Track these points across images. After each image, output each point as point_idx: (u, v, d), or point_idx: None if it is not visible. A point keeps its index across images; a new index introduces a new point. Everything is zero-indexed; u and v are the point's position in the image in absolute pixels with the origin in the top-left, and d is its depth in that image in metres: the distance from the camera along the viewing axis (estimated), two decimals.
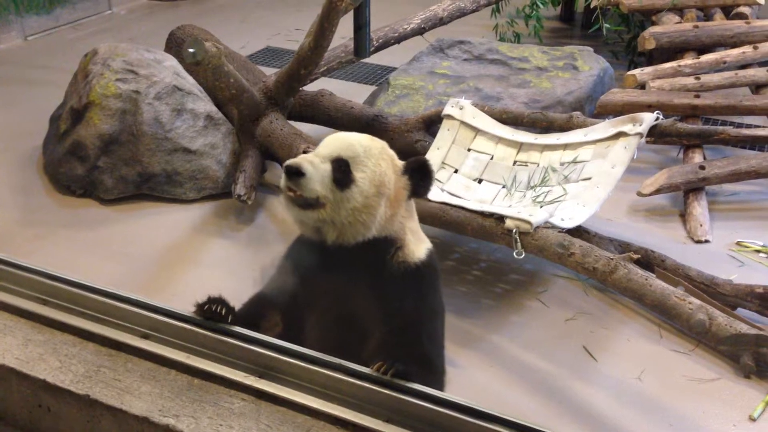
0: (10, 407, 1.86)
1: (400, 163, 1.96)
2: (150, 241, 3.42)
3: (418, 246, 1.96)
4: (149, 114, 3.65)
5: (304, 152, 3.34)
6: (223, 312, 1.79)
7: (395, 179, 1.91)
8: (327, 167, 1.83)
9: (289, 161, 1.82)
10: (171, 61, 3.94)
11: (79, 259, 3.23)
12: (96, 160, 3.65)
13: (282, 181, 1.83)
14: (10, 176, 3.94)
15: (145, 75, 3.76)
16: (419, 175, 1.95)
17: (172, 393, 1.70)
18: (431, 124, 3.69)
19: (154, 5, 7.00)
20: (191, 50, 3.24)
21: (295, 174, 1.78)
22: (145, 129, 3.64)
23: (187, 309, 1.82)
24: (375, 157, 1.89)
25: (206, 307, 1.80)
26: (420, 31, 4.54)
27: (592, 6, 5.27)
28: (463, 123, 3.47)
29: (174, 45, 4.37)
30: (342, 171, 1.83)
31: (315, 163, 1.82)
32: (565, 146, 3.29)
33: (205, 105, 3.82)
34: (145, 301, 1.86)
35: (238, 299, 2.83)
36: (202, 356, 1.78)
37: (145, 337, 1.82)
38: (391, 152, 1.98)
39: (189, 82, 3.87)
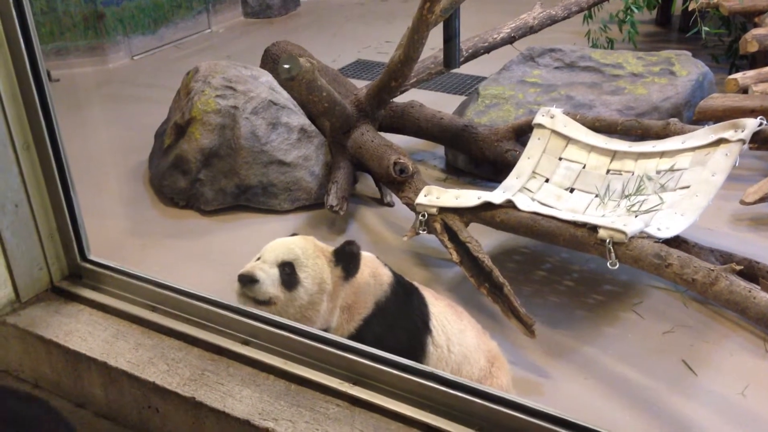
0: (122, 408, 1.98)
1: (330, 254, 2.17)
2: (247, 251, 3.50)
3: (350, 324, 2.15)
4: (246, 128, 3.80)
5: (395, 162, 3.40)
6: None
7: (331, 272, 2.14)
8: (275, 271, 2.08)
9: (242, 271, 2.06)
10: (266, 77, 4.08)
11: (182, 268, 3.39)
12: (197, 173, 3.82)
13: (236, 287, 2.05)
14: (120, 188, 4.18)
15: (243, 91, 3.91)
16: (348, 259, 2.16)
17: (271, 397, 1.77)
18: (522, 133, 3.67)
19: (250, 23, 7.27)
20: (286, 66, 3.36)
21: (249, 282, 2.03)
22: (243, 143, 3.79)
23: None
24: (312, 257, 2.14)
25: None
26: (510, 40, 4.53)
27: (690, 9, 5.10)
28: (554, 132, 3.43)
29: (269, 61, 4.54)
30: (288, 273, 2.08)
31: (265, 269, 2.07)
32: (662, 154, 3.20)
33: (298, 118, 3.94)
34: (245, 309, 1.95)
35: None
36: (299, 362, 1.84)
37: (245, 343, 1.91)
38: (322, 245, 2.21)
39: (283, 96, 4.00)
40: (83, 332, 2.03)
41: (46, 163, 2.07)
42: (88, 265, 2.18)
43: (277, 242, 2.20)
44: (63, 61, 6.05)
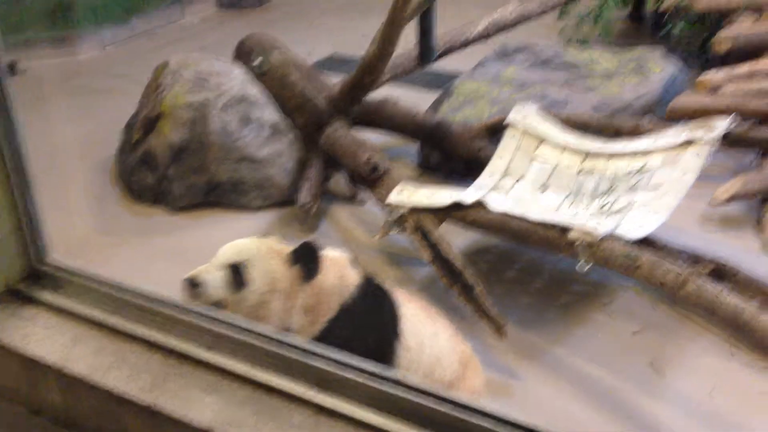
0: (80, 415, 1.93)
1: (286, 254, 2.16)
2: (217, 249, 3.49)
3: (313, 326, 2.15)
4: (217, 123, 3.74)
5: (368, 159, 3.36)
6: None
7: (287, 272, 2.13)
8: (221, 273, 2.12)
9: (187, 275, 2.11)
10: (239, 71, 4.02)
11: (149, 266, 3.34)
12: (166, 170, 3.76)
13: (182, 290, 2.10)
14: (86, 184, 4.10)
15: (214, 85, 3.85)
16: (305, 259, 2.14)
17: (235, 405, 1.73)
18: (495, 131, 3.65)
19: (224, 14, 7.17)
20: (258, 60, 3.31)
21: (193, 285, 2.09)
22: (213, 138, 3.73)
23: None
24: (263, 258, 2.14)
25: None
26: (485, 36, 4.50)
27: (663, 6, 5.11)
28: (527, 130, 3.42)
29: (243, 53, 4.46)
30: (235, 275, 2.11)
31: (211, 272, 2.13)
32: (634, 153, 3.20)
33: (271, 114, 3.89)
34: (209, 313, 1.90)
35: None
36: (264, 368, 1.80)
37: (210, 348, 1.86)
38: (280, 247, 2.20)
39: (256, 91, 3.94)
40: (40, 336, 1.97)
41: (2, 160, 2.00)
42: (46, 267, 2.11)
43: (231, 243, 2.22)
44: (32, 52, 5.91)
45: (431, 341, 2.28)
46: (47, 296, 2.08)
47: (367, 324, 2.20)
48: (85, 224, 3.72)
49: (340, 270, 2.22)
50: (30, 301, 2.09)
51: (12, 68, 5.61)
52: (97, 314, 1.99)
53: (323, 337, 2.11)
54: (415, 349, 2.22)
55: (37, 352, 1.93)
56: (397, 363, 2.18)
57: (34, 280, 2.14)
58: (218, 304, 2.07)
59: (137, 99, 4.20)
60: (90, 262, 2.35)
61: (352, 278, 2.24)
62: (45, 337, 1.97)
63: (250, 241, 2.23)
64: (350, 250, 3.42)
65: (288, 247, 2.20)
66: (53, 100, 5.31)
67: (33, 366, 1.94)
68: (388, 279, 3.21)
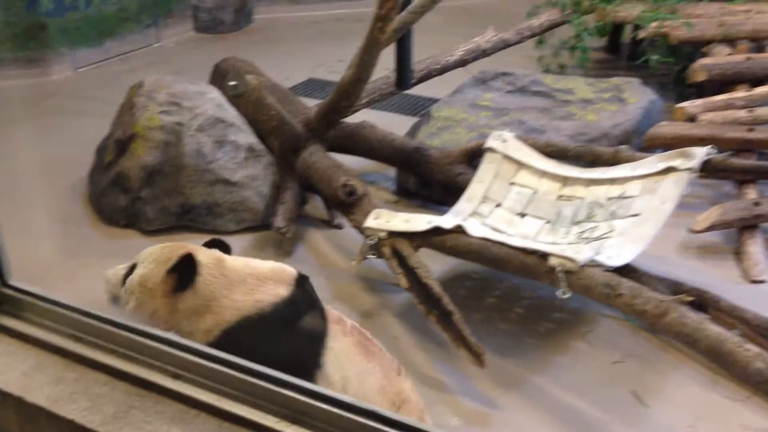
0: None
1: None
2: None
3: (209, 333, 2.17)
4: (191, 146, 3.67)
5: (344, 184, 3.31)
6: None
7: (163, 279, 2.21)
8: (122, 272, 2.31)
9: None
10: (214, 93, 3.96)
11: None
12: (139, 191, 3.67)
13: None
14: (56, 206, 3.99)
15: (189, 107, 3.79)
16: (181, 270, 2.19)
17: None
18: (473, 157, 3.63)
19: (201, 38, 7.13)
20: (232, 83, 3.26)
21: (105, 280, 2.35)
22: (187, 160, 3.65)
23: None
24: (151, 261, 2.25)
25: None
26: (462, 63, 4.52)
27: (639, 37, 5.17)
28: (505, 156, 3.40)
29: (218, 77, 4.42)
30: (128, 274, 2.28)
31: (118, 270, 2.34)
32: (612, 181, 3.19)
33: (246, 137, 3.83)
34: (176, 340, 1.82)
35: None
36: (233, 398, 1.72)
37: (176, 377, 1.77)
38: (176, 255, 2.23)
39: (231, 113, 3.88)
40: None
41: None
42: (8, 291, 2.02)
43: (151, 247, 2.36)
44: (3, 72, 5.81)
45: (359, 379, 2.17)
46: (8, 321, 1.98)
47: (277, 344, 2.14)
48: (52, 247, 3.61)
49: (255, 284, 2.20)
50: None
51: None
52: (59, 341, 1.90)
53: (218, 344, 2.07)
54: (337, 384, 2.13)
55: None
56: None
57: None
58: (117, 300, 2.31)
59: (109, 121, 4.12)
60: (54, 286, 2.27)
61: (270, 295, 2.17)
62: (3, 365, 1.87)
63: (165, 245, 2.33)
64: (326, 276, 3.37)
65: (264, 264, 2.29)
66: (24, 120, 5.21)
67: None
68: (364, 305, 3.15)
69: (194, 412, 1.71)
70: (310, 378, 2.10)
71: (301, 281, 2.27)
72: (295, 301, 2.21)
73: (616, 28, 5.94)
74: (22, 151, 4.65)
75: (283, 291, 2.21)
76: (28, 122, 5.18)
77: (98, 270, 3.39)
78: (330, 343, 2.18)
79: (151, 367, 1.79)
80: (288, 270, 2.29)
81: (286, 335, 2.18)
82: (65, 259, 3.51)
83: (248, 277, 2.22)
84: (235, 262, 2.31)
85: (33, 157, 4.59)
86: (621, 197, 3.10)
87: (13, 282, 2.06)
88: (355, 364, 2.19)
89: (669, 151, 3.16)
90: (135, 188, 3.67)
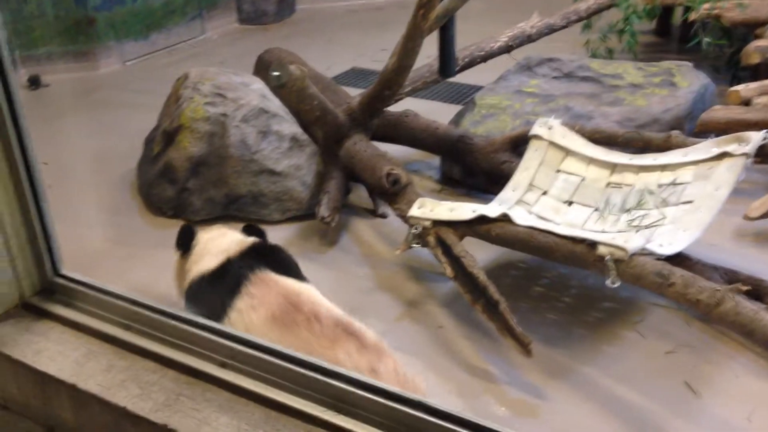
0: None
1: None
2: None
3: (182, 290, 2.64)
4: (236, 136, 3.70)
5: (388, 173, 3.29)
6: None
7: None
8: None
9: None
10: (258, 84, 3.98)
11: (167, 278, 3.27)
12: (185, 182, 3.71)
13: None
14: (107, 197, 4.07)
15: (233, 98, 3.81)
16: (178, 240, 2.71)
17: (249, 425, 1.66)
18: (518, 144, 3.57)
19: (244, 29, 7.18)
20: (276, 73, 3.26)
21: None
22: (232, 151, 3.68)
23: None
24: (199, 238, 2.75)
25: None
26: (507, 49, 4.44)
27: (690, 19, 5.02)
28: (551, 143, 3.34)
29: (262, 68, 4.44)
30: None
31: None
32: (664, 167, 3.10)
33: (290, 127, 3.84)
34: (223, 329, 1.84)
35: None
36: (279, 387, 1.72)
37: (223, 366, 1.79)
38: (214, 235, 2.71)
39: (275, 104, 3.90)
40: (53, 352, 1.91)
41: (16, 174, 1.95)
42: (60, 280, 2.06)
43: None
44: (54, 66, 5.95)
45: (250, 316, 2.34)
46: (60, 310, 2.02)
47: (201, 299, 2.51)
48: (103, 237, 3.68)
49: (215, 254, 2.57)
50: (43, 315, 2.04)
51: (35, 82, 5.65)
52: (110, 329, 1.93)
53: (186, 297, 2.59)
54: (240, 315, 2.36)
55: (49, 368, 1.87)
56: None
57: (48, 294, 2.09)
58: None
59: (157, 112, 4.18)
60: (105, 276, 2.30)
61: (212, 264, 2.54)
62: (57, 353, 1.91)
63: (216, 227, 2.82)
64: (370, 265, 3.37)
65: (235, 240, 2.64)
66: (75, 113, 5.32)
67: (46, 382, 1.89)
68: (408, 294, 3.13)
69: (242, 401, 1.72)
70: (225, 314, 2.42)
71: (245, 254, 2.54)
72: (220, 269, 2.53)
73: (666, 11, 5.79)
74: (74, 143, 4.75)
75: (217, 261, 2.55)
76: (78, 115, 5.30)
77: (147, 260, 3.46)
78: (239, 304, 2.36)
79: (199, 356, 1.81)
80: (241, 245, 2.59)
81: (208, 293, 2.52)
82: (115, 249, 3.58)
83: (216, 249, 2.59)
84: (221, 238, 2.67)
85: (84, 149, 4.68)
86: (673, 184, 3.02)
87: (64, 271, 2.10)
88: (255, 327, 2.30)
89: (723, 136, 3.05)
90: (182, 179, 3.72)
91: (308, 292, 2.41)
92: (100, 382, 1.82)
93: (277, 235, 3.62)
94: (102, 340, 1.94)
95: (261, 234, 2.74)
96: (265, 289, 2.36)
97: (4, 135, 1.91)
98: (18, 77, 5.24)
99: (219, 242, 2.64)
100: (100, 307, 1.99)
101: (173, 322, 1.86)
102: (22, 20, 5.78)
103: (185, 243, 2.69)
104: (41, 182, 2.02)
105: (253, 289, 2.37)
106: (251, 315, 2.31)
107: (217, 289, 2.45)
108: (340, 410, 1.65)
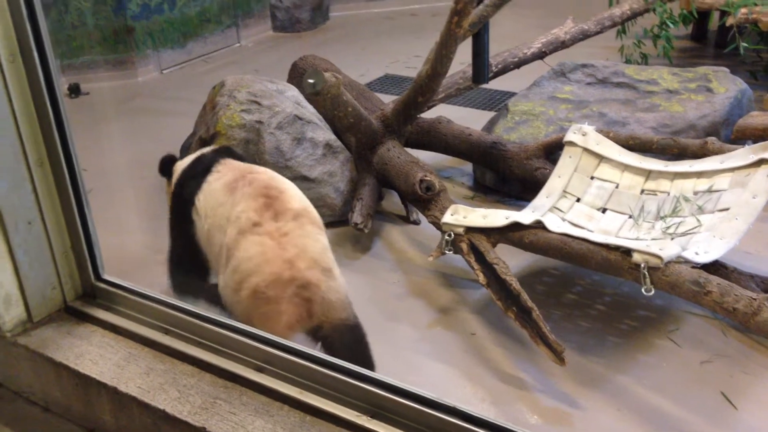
0: None
1: None
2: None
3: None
4: (271, 143, 3.74)
5: (422, 180, 3.31)
6: None
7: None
8: None
9: None
10: (292, 91, 4.03)
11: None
12: None
13: None
14: (145, 203, 4.15)
15: (268, 105, 3.86)
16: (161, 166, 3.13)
17: (285, 429, 1.69)
18: (552, 151, 3.56)
19: (278, 37, 7.26)
20: (311, 81, 3.30)
21: None
22: (267, 158, 3.73)
23: (301, 340, 1.82)
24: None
25: None
26: (540, 56, 4.43)
27: (727, 24, 4.96)
28: (585, 150, 3.32)
29: (296, 75, 4.49)
30: None
31: None
32: (700, 174, 3.07)
33: (324, 134, 3.88)
34: (259, 334, 1.87)
35: None
36: (314, 392, 1.75)
37: (260, 370, 1.83)
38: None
39: (309, 111, 3.94)
40: (94, 355, 1.97)
41: (61, 180, 2.02)
42: (101, 285, 2.13)
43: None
44: (93, 75, 6.08)
45: (214, 211, 2.63)
46: (102, 314, 2.08)
47: (183, 185, 2.86)
48: (142, 242, 3.75)
49: (192, 157, 3.01)
50: (85, 318, 2.10)
51: (75, 90, 5.78)
52: (149, 333, 1.98)
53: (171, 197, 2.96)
54: (201, 211, 2.68)
55: (91, 371, 1.93)
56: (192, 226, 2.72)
57: (90, 298, 2.15)
58: None
59: (193, 119, 4.24)
60: (144, 281, 2.36)
61: (193, 157, 2.97)
62: (99, 356, 1.97)
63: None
64: (403, 270, 3.38)
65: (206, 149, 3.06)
66: (113, 121, 5.43)
67: (87, 385, 1.94)
68: (441, 301, 3.14)
69: (278, 405, 1.75)
70: (193, 206, 2.73)
71: (215, 151, 3.00)
72: (196, 161, 2.94)
73: (702, 16, 5.72)
74: (112, 150, 4.85)
75: (193, 157, 2.97)
76: (117, 122, 5.41)
77: None
78: (209, 178, 2.75)
79: (236, 360, 1.85)
80: (212, 149, 3.06)
81: (188, 179, 2.87)
82: (154, 255, 3.64)
83: (191, 157, 3.01)
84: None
85: (122, 156, 4.78)
86: (709, 191, 2.99)
87: (106, 276, 2.16)
88: (213, 198, 2.67)
89: (760, 143, 3.01)
90: None
91: (265, 171, 2.83)
92: (139, 384, 1.86)
93: None
94: (141, 344, 1.99)
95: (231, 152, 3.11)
96: (228, 167, 2.82)
97: (50, 143, 1.98)
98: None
99: (193, 155, 3.06)
100: (140, 311, 2.04)
101: (210, 327, 1.90)
102: (62, 30, 5.93)
103: (167, 170, 3.06)
104: (84, 189, 2.07)
105: (219, 167, 2.82)
106: (214, 184, 2.72)
107: (195, 172, 2.87)
108: (374, 415, 1.67)
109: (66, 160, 2.01)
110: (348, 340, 2.17)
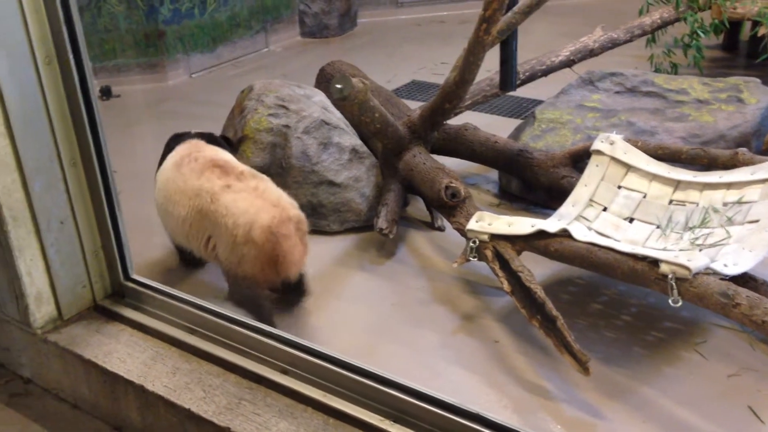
0: None
1: None
2: None
3: None
4: (297, 147, 3.77)
5: (447, 186, 3.32)
6: None
7: None
8: None
9: None
10: (320, 96, 4.06)
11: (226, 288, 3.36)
12: None
13: None
14: None
15: (295, 110, 3.89)
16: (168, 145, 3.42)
17: (308, 431, 1.70)
18: (579, 159, 3.54)
19: (307, 42, 7.31)
20: (338, 86, 3.32)
21: None
22: (293, 162, 3.76)
23: (325, 343, 1.83)
24: None
25: None
26: (569, 64, 4.42)
27: (759, 34, 4.90)
28: (613, 159, 3.30)
29: (324, 80, 4.52)
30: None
31: None
32: (729, 185, 3.04)
33: (350, 139, 3.90)
34: (285, 336, 1.88)
35: (375, 332, 2.83)
36: (338, 395, 1.76)
37: (284, 372, 1.84)
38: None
39: (336, 116, 3.96)
40: (122, 353, 2.00)
41: (93, 181, 2.05)
42: (130, 284, 2.16)
43: None
44: (125, 78, 6.18)
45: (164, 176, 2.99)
46: (130, 313, 2.11)
47: (163, 159, 3.18)
48: (169, 244, 3.79)
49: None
50: (114, 317, 2.13)
51: (107, 93, 5.87)
52: (176, 333, 2.01)
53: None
54: (158, 181, 3.03)
55: (118, 369, 1.96)
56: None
57: (119, 297, 2.19)
58: None
59: (222, 123, 4.29)
60: (171, 281, 2.38)
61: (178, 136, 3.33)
62: (126, 355, 2.00)
63: None
64: (428, 277, 3.39)
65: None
66: (143, 123, 5.51)
67: (115, 383, 1.97)
68: (464, 307, 3.14)
69: (301, 407, 1.76)
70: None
71: (194, 135, 3.31)
72: (172, 140, 3.29)
73: (734, 26, 5.66)
74: (142, 152, 4.91)
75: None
76: (146, 125, 5.48)
77: (210, 266, 3.55)
78: (169, 155, 3.12)
79: (261, 361, 1.87)
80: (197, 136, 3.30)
81: (163, 156, 3.22)
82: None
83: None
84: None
85: (153, 158, 4.81)
86: (739, 202, 2.95)
87: (135, 276, 2.19)
88: (163, 175, 3.03)
89: None
90: None
91: (215, 152, 3.05)
92: (166, 384, 1.89)
93: (335, 245, 3.69)
94: (168, 343, 2.02)
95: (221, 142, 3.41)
96: (186, 146, 3.08)
97: (84, 144, 2.01)
98: None
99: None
100: (167, 311, 2.07)
101: (236, 328, 1.92)
102: (95, 33, 6.03)
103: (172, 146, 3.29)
104: (115, 190, 2.11)
105: (180, 147, 3.09)
106: (169, 160, 3.03)
107: (167, 148, 3.23)
108: (397, 420, 1.67)
109: (98, 161, 2.05)
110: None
